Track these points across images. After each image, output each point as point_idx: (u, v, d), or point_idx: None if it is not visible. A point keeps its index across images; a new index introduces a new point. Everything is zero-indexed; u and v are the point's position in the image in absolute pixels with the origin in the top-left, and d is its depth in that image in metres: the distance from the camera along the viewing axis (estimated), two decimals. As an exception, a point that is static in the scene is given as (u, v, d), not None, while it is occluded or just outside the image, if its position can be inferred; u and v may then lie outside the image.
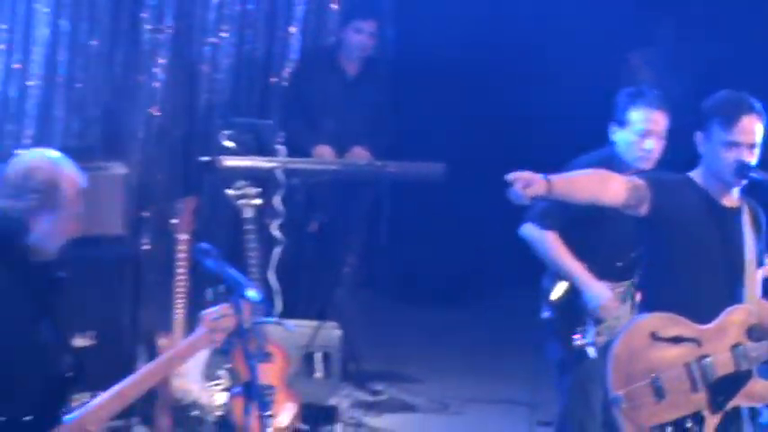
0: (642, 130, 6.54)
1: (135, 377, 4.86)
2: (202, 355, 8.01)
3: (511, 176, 5.24)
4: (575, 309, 6.56)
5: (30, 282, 4.62)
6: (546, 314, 6.75)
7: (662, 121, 6.58)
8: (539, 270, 6.77)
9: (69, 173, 4.70)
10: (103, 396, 4.77)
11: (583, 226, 6.36)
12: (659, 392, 5.28)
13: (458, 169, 9.73)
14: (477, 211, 11.04)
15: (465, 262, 11.63)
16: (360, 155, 9.32)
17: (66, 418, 4.67)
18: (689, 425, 5.33)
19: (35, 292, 4.63)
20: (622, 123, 6.60)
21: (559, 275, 6.64)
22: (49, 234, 4.64)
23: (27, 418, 4.54)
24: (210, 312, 4.96)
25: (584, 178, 5.54)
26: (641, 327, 5.42)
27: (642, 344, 5.35)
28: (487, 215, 10.42)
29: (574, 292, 6.56)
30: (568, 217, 6.35)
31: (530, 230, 6.63)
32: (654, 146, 6.53)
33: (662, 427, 5.31)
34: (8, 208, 4.59)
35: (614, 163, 6.40)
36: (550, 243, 6.53)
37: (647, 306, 5.58)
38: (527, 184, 5.23)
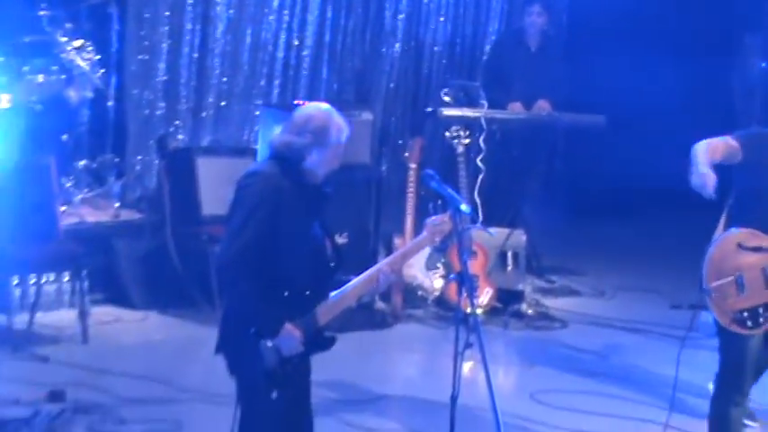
0: None
1: (378, 266, 4.83)
2: (425, 252, 8.36)
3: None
4: None
5: (305, 195, 4.59)
6: None
7: None
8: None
9: (337, 121, 4.65)
10: (356, 279, 4.74)
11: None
12: (741, 287, 5.21)
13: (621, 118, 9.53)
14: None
15: (626, 187, 11.03)
16: (542, 107, 9.29)
17: (331, 295, 4.68)
18: (760, 311, 5.24)
19: (309, 202, 4.61)
20: None
21: None
22: (318, 163, 4.60)
23: (307, 292, 4.61)
24: (432, 219, 4.89)
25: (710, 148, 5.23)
26: (730, 238, 5.30)
27: (730, 250, 5.25)
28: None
29: None
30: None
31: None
32: None
33: (741, 312, 5.23)
34: (291, 142, 4.60)
35: None
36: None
37: (735, 223, 5.39)
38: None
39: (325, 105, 4.72)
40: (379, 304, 8.49)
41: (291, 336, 4.50)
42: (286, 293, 4.54)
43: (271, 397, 4.52)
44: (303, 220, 4.59)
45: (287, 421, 4.64)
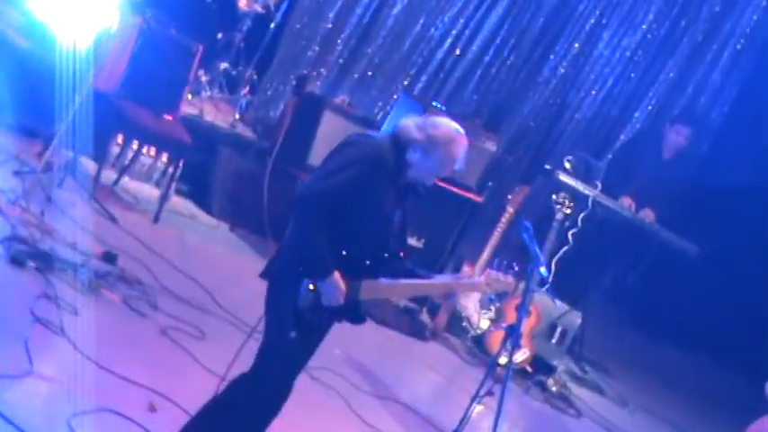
0: None
1: (434, 280, 4.87)
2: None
3: None
4: None
5: (399, 182, 4.60)
6: None
7: None
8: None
9: (457, 149, 4.59)
10: (408, 281, 4.74)
11: None
12: None
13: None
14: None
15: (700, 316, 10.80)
16: (647, 215, 9.08)
17: (381, 279, 4.67)
18: None
19: (399, 190, 4.62)
20: None
21: None
22: (415, 164, 4.56)
23: (365, 262, 4.61)
24: (495, 273, 4.90)
25: None
26: None
27: None
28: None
29: None
30: None
31: None
32: None
33: None
34: (409, 131, 4.58)
35: None
36: None
37: None
38: None
39: (461, 130, 4.67)
40: (424, 316, 8.48)
41: (336, 287, 4.51)
42: (344, 252, 4.53)
43: (289, 335, 4.52)
44: (387, 201, 4.59)
45: (290, 363, 4.68)
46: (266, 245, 7.99)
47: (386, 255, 4.67)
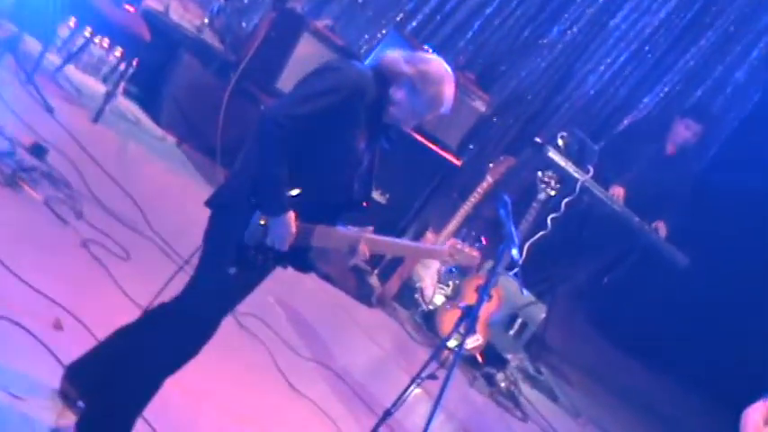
0: None
1: (395, 241, 4.89)
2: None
3: None
4: None
5: (375, 122, 4.57)
6: None
7: None
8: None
9: (447, 91, 4.59)
10: (366, 235, 4.69)
11: None
12: None
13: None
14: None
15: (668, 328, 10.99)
16: (659, 228, 9.11)
17: (337, 226, 4.65)
18: None
19: (373, 131, 4.60)
20: None
21: None
22: (398, 102, 4.54)
23: (320, 204, 4.56)
24: (458, 243, 4.93)
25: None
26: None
27: None
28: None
29: None
30: None
31: None
32: None
33: None
34: (396, 64, 4.55)
35: None
36: None
37: None
38: None
39: (450, 71, 4.64)
40: (374, 279, 8.49)
41: (287, 226, 4.47)
42: (301, 189, 4.51)
43: (228, 270, 4.48)
44: (359, 140, 4.56)
45: (221, 301, 4.65)
46: (214, 169, 7.96)
47: (348, 199, 4.64)
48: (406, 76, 4.54)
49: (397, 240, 4.97)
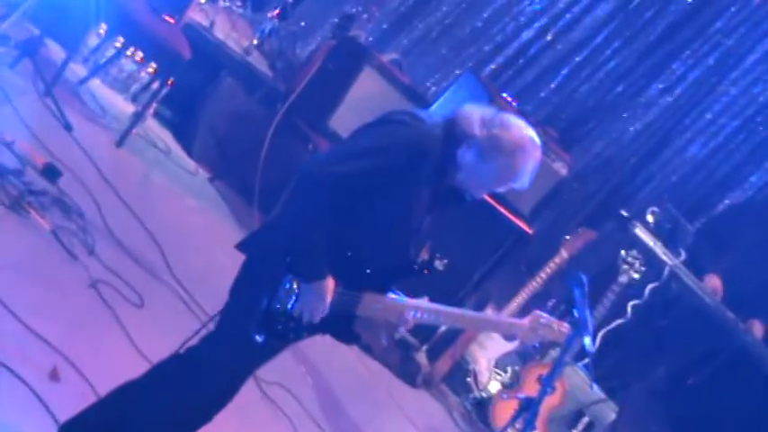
0: None
1: (453, 311, 4.89)
2: (507, 347, 8.36)
3: None
4: None
5: (439, 183, 4.55)
6: None
7: None
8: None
9: (523, 164, 4.53)
10: (427, 305, 4.73)
11: None
12: None
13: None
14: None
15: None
16: (755, 328, 8.93)
17: (391, 295, 4.65)
18: None
19: (437, 193, 4.57)
20: None
21: None
22: (466, 166, 4.53)
23: (367, 270, 4.58)
24: (544, 316, 4.90)
25: None
26: None
27: None
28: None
29: None
30: None
31: None
32: None
33: None
34: (469, 124, 4.53)
35: None
36: None
37: None
38: None
39: (537, 140, 4.60)
40: (422, 356, 8.45)
41: (320, 295, 4.45)
42: (348, 254, 4.53)
43: (253, 336, 4.46)
44: (418, 204, 4.57)
45: (242, 365, 4.66)
46: (250, 213, 7.97)
47: (411, 266, 4.65)
48: (476, 139, 4.51)
49: (462, 311, 5.02)
